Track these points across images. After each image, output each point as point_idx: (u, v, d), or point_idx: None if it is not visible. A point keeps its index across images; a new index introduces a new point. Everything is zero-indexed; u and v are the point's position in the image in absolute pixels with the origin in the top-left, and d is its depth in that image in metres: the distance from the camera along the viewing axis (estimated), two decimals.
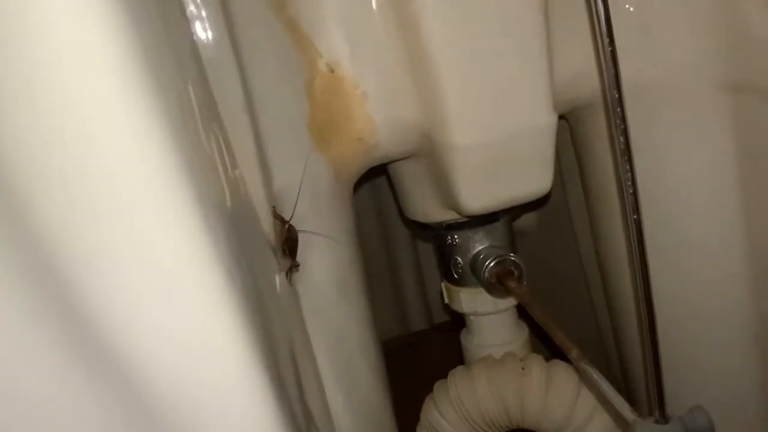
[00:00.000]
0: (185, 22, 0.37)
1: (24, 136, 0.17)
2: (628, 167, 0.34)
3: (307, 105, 0.48)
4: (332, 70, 0.49)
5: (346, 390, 0.51)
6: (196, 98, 0.25)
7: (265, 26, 0.46)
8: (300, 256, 0.48)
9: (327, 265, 0.50)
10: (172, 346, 0.19)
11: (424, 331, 1.23)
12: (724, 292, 0.51)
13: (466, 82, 0.48)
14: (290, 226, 0.42)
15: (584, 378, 0.56)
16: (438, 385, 0.66)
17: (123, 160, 0.18)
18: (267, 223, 0.39)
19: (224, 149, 0.29)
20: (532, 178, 0.53)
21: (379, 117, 0.51)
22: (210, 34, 0.41)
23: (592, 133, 0.58)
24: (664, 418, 0.40)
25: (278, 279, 0.33)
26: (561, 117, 0.60)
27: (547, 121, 0.51)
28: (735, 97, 0.50)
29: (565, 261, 0.77)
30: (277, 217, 0.42)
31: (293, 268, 0.43)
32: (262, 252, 0.33)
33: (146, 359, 0.18)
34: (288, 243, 0.41)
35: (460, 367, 0.66)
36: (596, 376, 0.45)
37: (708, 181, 0.51)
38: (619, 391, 0.45)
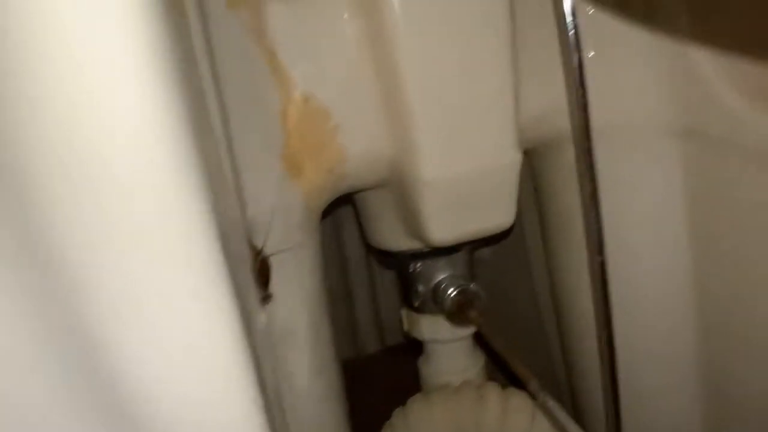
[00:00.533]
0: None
1: (53, 146, 0.17)
2: (593, 213, 0.36)
3: (281, 134, 0.49)
4: (306, 101, 0.50)
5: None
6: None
7: (243, 54, 0.46)
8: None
9: (296, 303, 0.51)
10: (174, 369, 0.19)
11: (376, 353, 1.23)
12: (673, 336, 0.54)
13: (436, 119, 0.50)
14: (264, 256, 0.42)
15: (543, 409, 0.58)
16: (396, 413, 0.66)
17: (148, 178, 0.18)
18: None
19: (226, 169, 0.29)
20: (496, 213, 0.55)
21: (350, 149, 0.51)
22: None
23: (553, 169, 0.61)
24: None
25: (262, 313, 0.33)
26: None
27: (512, 158, 0.53)
28: (686, 143, 0.53)
29: (519, 290, 0.79)
30: (251, 247, 0.42)
31: (266, 298, 0.43)
32: (250, 283, 0.33)
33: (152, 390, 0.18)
34: (261, 273, 0.41)
35: (418, 395, 0.67)
36: (556, 408, 0.47)
37: (658, 224, 0.54)
38: None
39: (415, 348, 0.74)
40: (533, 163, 0.65)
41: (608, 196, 0.55)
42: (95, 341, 0.17)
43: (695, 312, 0.52)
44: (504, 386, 0.65)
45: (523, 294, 0.78)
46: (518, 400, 0.62)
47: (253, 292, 0.34)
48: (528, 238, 0.74)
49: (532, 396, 0.56)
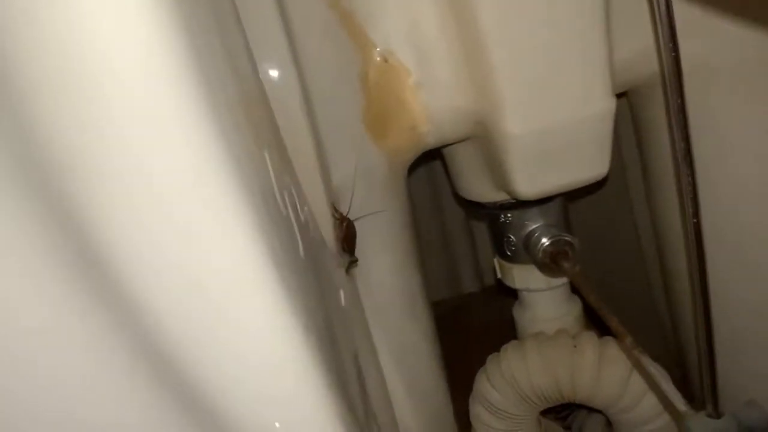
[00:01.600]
0: (240, 28, 0.37)
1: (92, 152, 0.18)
2: (687, 173, 0.34)
3: (361, 97, 0.49)
4: (386, 60, 0.49)
5: (406, 383, 0.53)
6: (252, 120, 0.26)
7: (320, 20, 0.46)
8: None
9: (385, 265, 0.52)
10: (237, 364, 0.20)
11: (474, 293, 1.24)
12: None
13: (521, 70, 0.48)
14: (349, 222, 0.43)
15: (637, 366, 0.57)
16: (491, 359, 0.67)
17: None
18: (328, 225, 0.40)
19: (284, 165, 0.30)
20: (589, 164, 0.53)
21: (432, 105, 0.51)
22: (267, 31, 0.42)
23: (652, 113, 0.57)
24: (716, 413, 0.40)
25: (342, 295, 0.34)
26: (621, 95, 0.58)
27: (605, 106, 0.50)
28: None
29: (621, 236, 0.76)
30: (336, 214, 0.43)
31: (352, 264, 0.45)
32: (329, 270, 0.34)
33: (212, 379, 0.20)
34: (347, 240, 0.43)
35: (512, 342, 0.67)
36: (650, 365, 0.46)
37: (761, 170, 0.49)
38: (674, 378, 0.46)
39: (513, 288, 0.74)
40: (632, 104, 0.61)
41: (709, 138, 0.51)
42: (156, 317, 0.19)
43: None
44: (601, 335, 0.64)
45: (625, 241, 0.75)
46: (615, 350, 0.61)
47: (333, 279, 0.35)
48: (630, 183, 0.70)
49: (628, 354, 0.55)
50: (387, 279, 0.54)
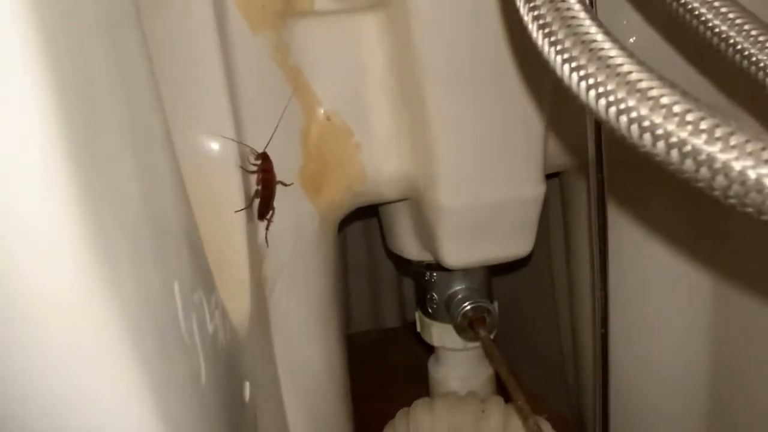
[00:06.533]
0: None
1: None
2: (600, 287, 0.35)
3: (300, 153, 0.48)
4: (329, 119, 0.49)
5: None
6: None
7: (266, 77, 0.45)
8: (277, 300, 0.49)
9: (303, 308, 0.52)
10: None
11: (396, 328, 1.25)
12: (683, 386, 0.53)
13: (460, 148, 0.49)
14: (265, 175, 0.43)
15: None
16: (400, 413, 0.68)
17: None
18: (245, 288, 0.39)
19: (194, 267, 0.27)
20: (515, 242, 0.54)
21: (371, 167, 0.51)
22: (210, 78, 0.42)
23: (577, 198, 0.59)
24: None
25: (248, 389, 0.33)
26: (554, 175, 0.61)
27: (536, 192, 0.51)
28: None
29: (542, 309, 0.78)
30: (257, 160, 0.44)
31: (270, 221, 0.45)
32: (239, 371, 0.33)
33: None
34: (262, 203, 0.44)
35: (422, 400, 0.68)
36: None
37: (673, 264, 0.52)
38: None
39: None
40: (563, 185, 0.63)
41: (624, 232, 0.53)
42: None
43: (708, 362, 0.51)
44: (508, 401, 0.65)
45: (545, 314, 0.77)
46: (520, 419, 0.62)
47: (244, 361, 0.34)
48: (554, 260, 0.73)
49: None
50: (305, 337, 0.54)
